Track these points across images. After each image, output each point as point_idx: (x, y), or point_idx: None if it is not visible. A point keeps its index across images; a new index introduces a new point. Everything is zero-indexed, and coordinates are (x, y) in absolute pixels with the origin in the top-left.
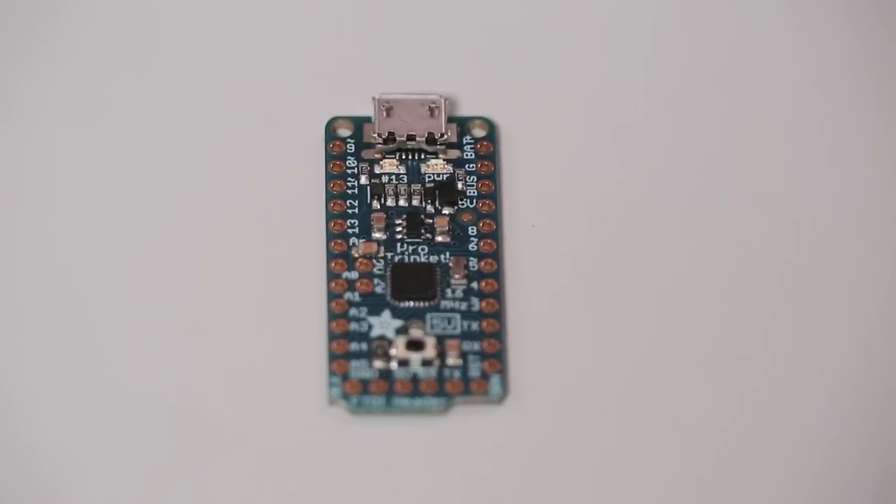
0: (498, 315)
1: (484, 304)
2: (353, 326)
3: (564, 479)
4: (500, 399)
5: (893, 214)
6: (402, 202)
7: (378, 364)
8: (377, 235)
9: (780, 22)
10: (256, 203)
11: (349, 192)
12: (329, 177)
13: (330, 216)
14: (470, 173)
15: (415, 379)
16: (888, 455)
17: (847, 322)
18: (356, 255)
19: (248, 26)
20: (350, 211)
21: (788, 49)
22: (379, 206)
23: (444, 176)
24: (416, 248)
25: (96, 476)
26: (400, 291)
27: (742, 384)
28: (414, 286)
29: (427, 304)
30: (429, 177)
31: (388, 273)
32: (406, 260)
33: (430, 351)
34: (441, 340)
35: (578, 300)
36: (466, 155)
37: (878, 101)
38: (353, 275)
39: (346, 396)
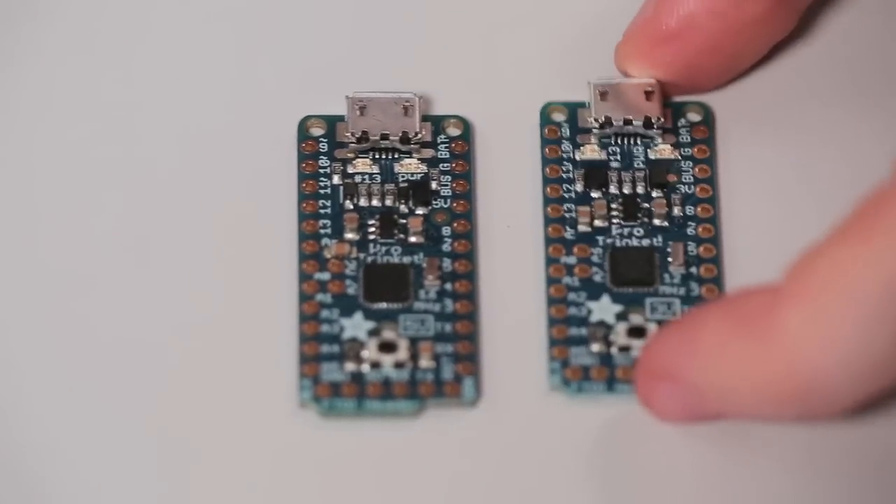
0: (472, 317)
1: (458, 305)
2: (325, 328)
3: (538, 483)
4: (474, 402)
5: None
6: (375, 202)
7: (350, 366)
8: (350, 236)
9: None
10: (227, 203)
11: (321, 192)
12: (301, 176)
13: (302, 216)
14: (444, 173)
15: (387, 382)
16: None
17: None
18: (328, 256)
19: (221, 24)
20: (322, 211)
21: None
22: (352, 207)
23: (418, 175)
24: (389, 249)
25: (62, 479)
26: (372, 293)
27: None
28: (387, 287)
29: (400, 305)
30: (402, 176)
31: (361, 274)
32: (379, 261)
33: (402, 353)
34: (414, 342)
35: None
36: (441, 154)
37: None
38: (325, 276)
39: (317, 399)
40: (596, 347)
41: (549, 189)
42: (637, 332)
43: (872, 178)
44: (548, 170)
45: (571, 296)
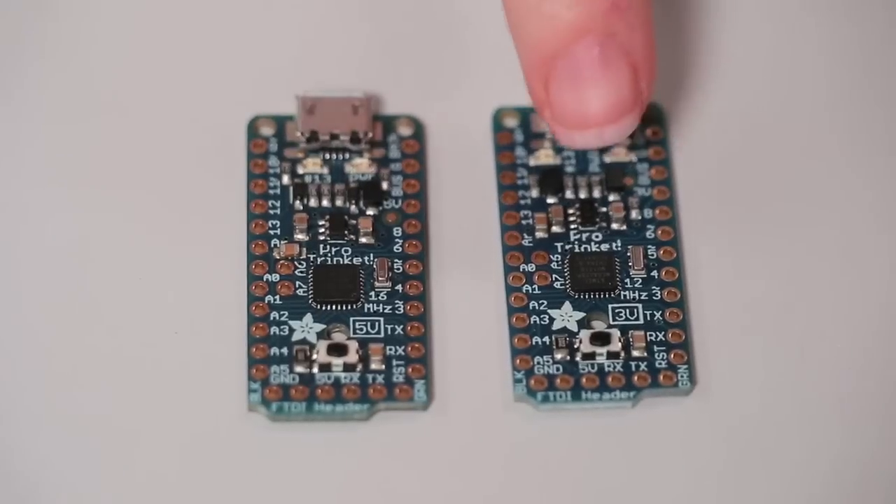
0: (423, 318)
1: (408, 307)
2: (274, 330)
3: (490, 487)
4: (425, 405)
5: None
6: (325, 202)
7: (299, 369)
8: (299, 237)
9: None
10: (175, 203)
11: (271, 192)
12: (250, 176)
13: (251, 217)
14: (395, 173)
15: (337, 384)
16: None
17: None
18: (277, 257)
19: (170, 22)
20: (272, 212)
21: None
22: (301, 207)
23: (369, 175)
24: (340, 250)
25: (9, 479)
26: (322, 294)
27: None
28: (336, 289)
29: (350, 307)
30: (353, 176)
31: (310, 275)
32: (329, 262)
33: (352, 355)
34: (364, 344)
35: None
36: (391, 154)
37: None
38: (274, 277)
39: (265, 402)
40: (559, 356)
41: (504, 196)
42: (600, 338)
43: (829, 173)
44: (502, 177)
45: (532, 304)
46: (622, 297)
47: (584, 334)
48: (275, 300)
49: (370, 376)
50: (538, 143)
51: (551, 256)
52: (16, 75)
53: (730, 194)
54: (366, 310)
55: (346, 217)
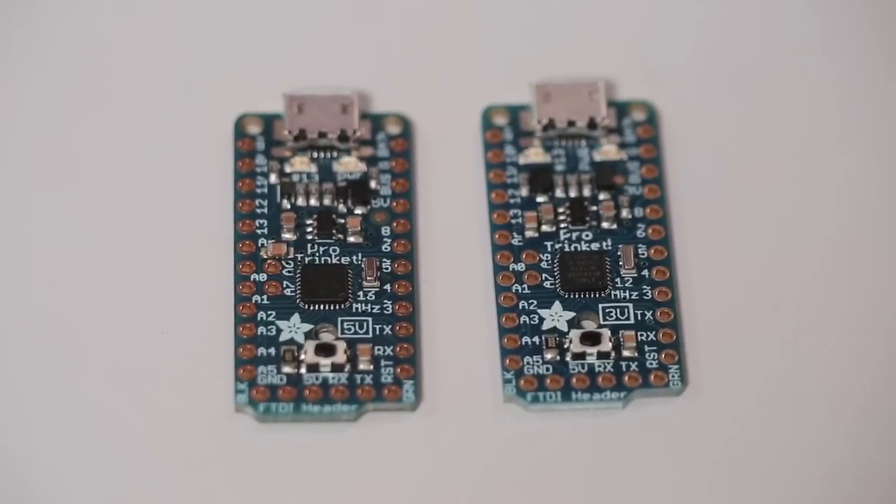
0: (411, 318)
1: (397, 306)
2: (261, 330)
3: (480, 488)
4: (414, 406)
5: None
6: (312, 201)
7: (287, 369)
8: (287, 236)
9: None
10: (162, 201)
11: (258, 191)
12: (237, 175)
13: (238, 216)
14: (384, 171)
15: (325, 385)
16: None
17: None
18: (265, 257)
19: (157, 20)
20: (259, 211)
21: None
22: (289, 206)
23: (357, 174)
24: (328, 250)
25: None
26: (310, 294)
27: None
28: (324, 288)
29: (338, 307)
30: (341, 175)
31: (298, 275)
32: (316, 261)
33: (340, 356)
34: (352, 345)
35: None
36: (380, 152)
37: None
38: (262, 277)
39: (253, 403)
40: (549, 356)
41: (493, 195)
42: (591, 338)
43: (822, 172)
44: (492, 175)
45: (522, 304)
46: (613, 297)
47: (575, 334)
48: (262, 300)
49: (358, 377)
50: (528, 142)
51: (541, 255)
52: (4, 73)
53: (721, 193)
54: (354, 310)
55: (334, 216)
